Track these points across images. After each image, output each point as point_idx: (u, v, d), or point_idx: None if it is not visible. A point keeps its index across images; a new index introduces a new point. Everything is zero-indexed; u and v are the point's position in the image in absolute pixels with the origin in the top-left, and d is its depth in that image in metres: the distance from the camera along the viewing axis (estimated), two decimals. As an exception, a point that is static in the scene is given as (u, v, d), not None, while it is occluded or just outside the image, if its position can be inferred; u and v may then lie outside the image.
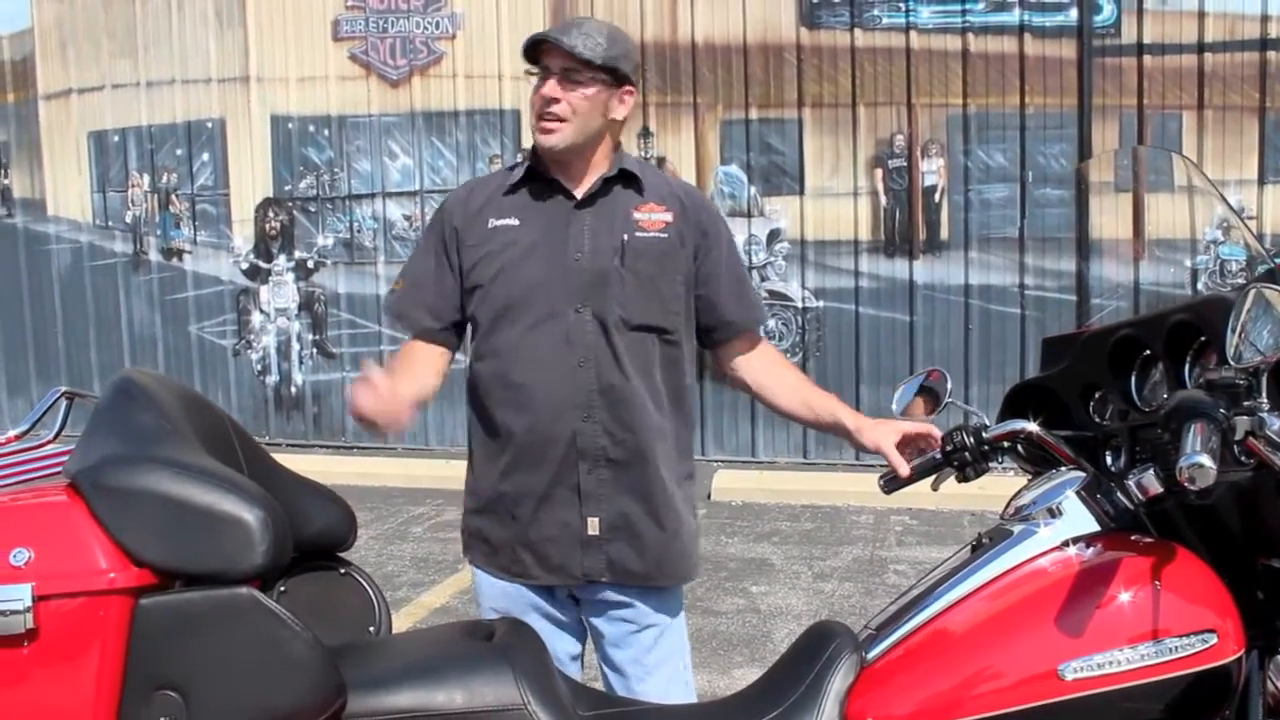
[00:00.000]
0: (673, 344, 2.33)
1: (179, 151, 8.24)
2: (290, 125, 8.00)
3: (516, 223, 2.29)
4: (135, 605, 1.40)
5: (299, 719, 1.44)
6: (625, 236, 2.28)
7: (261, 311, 8.20)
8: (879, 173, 7.16)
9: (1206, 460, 1.45)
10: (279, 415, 8.24)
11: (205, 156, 8.20)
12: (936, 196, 7.09)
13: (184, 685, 1.40)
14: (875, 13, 7.03)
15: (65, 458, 1.57)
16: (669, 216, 2.32)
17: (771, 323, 7.23)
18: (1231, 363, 1.55)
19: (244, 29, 7.95)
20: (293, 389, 8.22)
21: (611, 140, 2.33)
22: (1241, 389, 1.58)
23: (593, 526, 2.24)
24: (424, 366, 2.37)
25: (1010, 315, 6.98)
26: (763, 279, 7.22)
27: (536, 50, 2.25)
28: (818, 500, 6.60)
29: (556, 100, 2.22)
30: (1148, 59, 6.77)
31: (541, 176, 2.32)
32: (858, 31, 7.07)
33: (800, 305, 7.29)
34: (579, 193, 2.30)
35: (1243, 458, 1.66)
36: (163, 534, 1.40)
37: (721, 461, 7.18)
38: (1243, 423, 1.55)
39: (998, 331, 7.01)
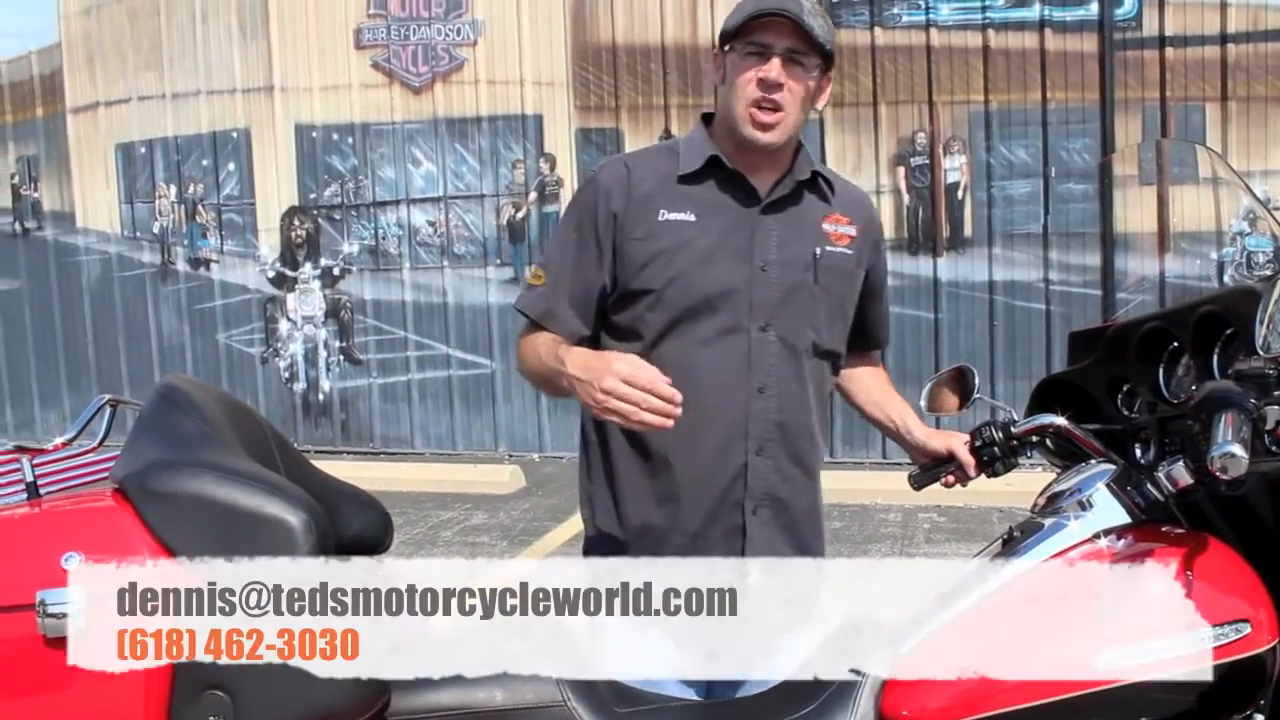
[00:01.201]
0: (837, 370, 2.13)
1: (205, 162, 8.34)
2: (314, 134, 8.08)
3: (692, 219, 1.98)
4: (184, 607, 1.44)
5: (344, 717, 1.47)
6: (818, 250, 2.02)
7: (288, 319, 8.27)
8: (901, 171, 7.16)
9: (1238, 450, 1.46)
10: (307, 422, 8.31)
11: (231, 166, 8.29)
12: (959, 193, 7.08)
13: (232, 685, 1.43)
14: (895, 11, 7.04)
15: (110, 464, 1.61)
16: (853, 231, 2.07)
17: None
18: (1260, 353, 1.56)
19: (267, 40, 8.04)
20: (320, 396, 8.29)
21: None
22: (1271, 379, 1.58)
23: None
24: None
25: (1035, 311, 6.97)
26: (786, 279, 7.25)
27: (754, 24, 1.92)
28: (845, 499, 6.58)
29: (781, 86, 1.91)
30: (1170, 51, 6.75)
31: (723, 168, 2.01)
32: (878, 30, 7.08)
33: (824, 304, 7.29)
34: (765, 193, 2.01)
35: (1274, 448, 1.66)
36: (209, 537, 1.43)
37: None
38: (1273, 412, 1.56)
39: (1023, 327, 7.00)
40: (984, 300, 7.04)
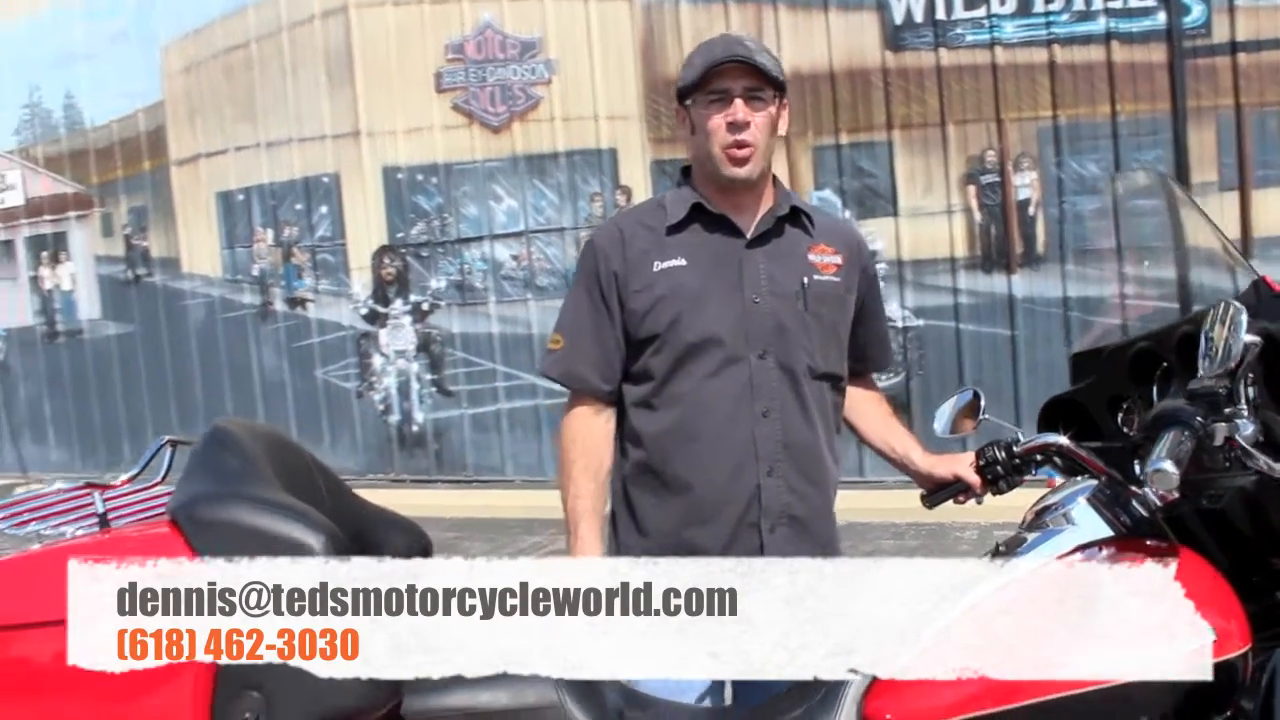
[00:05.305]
0: (841, 391, 2.27)
1: (299, 206, 8.68)
2: (400, 175, 8.36)
3: (684, 263, 2.15)
4: (223, 619, 1.63)
5: (362, 715, 1.65)
6: (805, 279, 2.17)
7: (382, 354, 8.53)
8: (972, 189, 7.16)
9: (1168, 466, 1.55)
10: (403, 453, 8.55)
11: (323, 209, 8.62)
12: (1031, 210, 7.06)
13: (266, 685, 1.61)
14: (958, 31, 7.06)
15: (168, 498, 1.82)
16: (839, 260, 2.22)
17: (873, 343, 7.29)
18: (1201, 371, 1.64)
19: (353, 87, 8.36)
20: (414, 427, 8.53)
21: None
22: (1221, 397, 1.66)
23: None
24: (609, 450, 2.20)
25: (1112, 326, 6.89)
26: (861, 301, 7.29)
27: (711, 74, 2.11)
28: (923, 518, 6.57)
29: (748, 124, 2.09)
30: (1242, 57, 6.63)
31: (707, 212, 2.18)
32: (942, 51, 7.10)
33: (900, 325, 7.32)
34: (749, 230, 2.18)
35: (1246, 461, 1.74)
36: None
37: (829, 483, 7.23)
38: (1221, 429, 1.64)
39: (1100, 342, 6.92)
40: (1059, 316, 6.99)
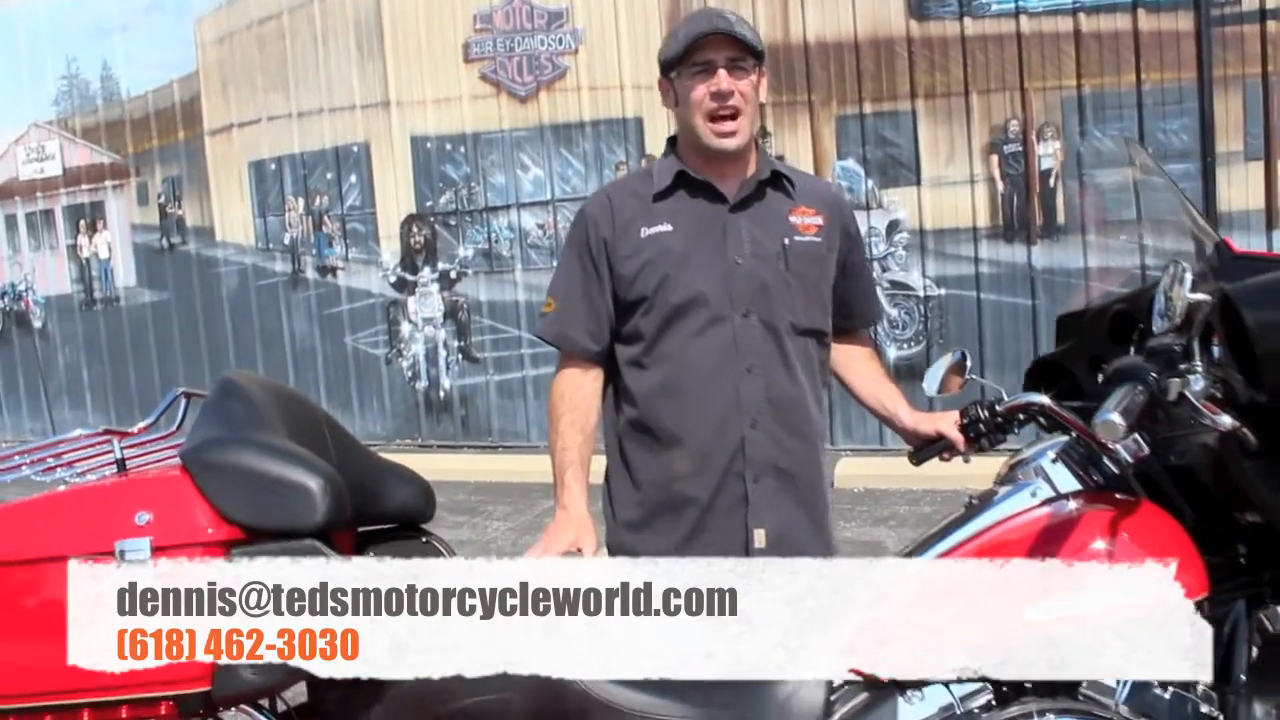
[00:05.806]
0: (825, 346, 2.35)
1: (329, 175, 8.81)
2: (429, 145, 8.46)
3: (670, 228, 2.23)
4: (228, 555, 1.74)
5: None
6: (786, 240, 2.25)
7: (410, 321, 8.66)
8: (994, 159, 7.16)
9: (1115, 418, 1.61)
10: (429, 418, 8.69)
11: (353, 179, 8.74)
12: (1053, 180, 7.06)
13: None
14: (983, 0, 7.05)
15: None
16: (820, 220, 2.30)
17: (894, 312, 7.33)
18: (1154, 329, 1.70)
19: (383, 58, 8.46)
20: (441, 393, 8.67)
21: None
22: (1177, 354, 1.72)
23: (759, 539, 2.21)
24: (595, 406, 2.29)
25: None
26: (883, 269, 7.32)
27: (695, 46, 2.18)
28: (939, 485, 6.63)
29: (732, 93, 2.17)
30: (1273, 25, 6.57)
31: (691, 180, 2.26)
32: (967, 20, 7.09)
33: (922, 294, 7.36)
34: (731, 195, 2.26)
35: (1195, 417, 1.80)
36: (247, 499, 1.73)
37: (850, 450, 7.30)
38: (1175, 385, 1.69)
39: (1121, 312, 6.91)
40: (1080, 287, 6.99)
